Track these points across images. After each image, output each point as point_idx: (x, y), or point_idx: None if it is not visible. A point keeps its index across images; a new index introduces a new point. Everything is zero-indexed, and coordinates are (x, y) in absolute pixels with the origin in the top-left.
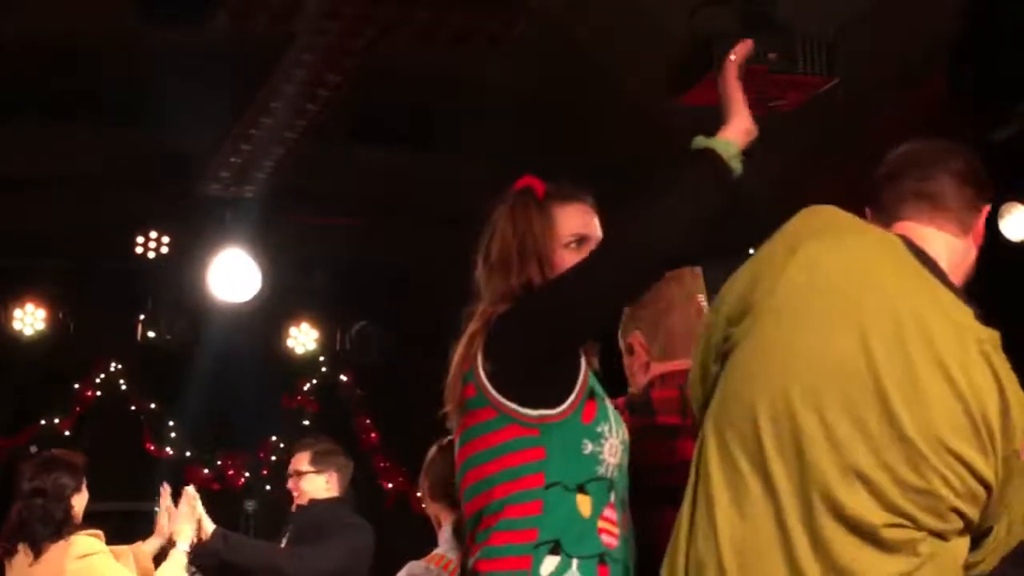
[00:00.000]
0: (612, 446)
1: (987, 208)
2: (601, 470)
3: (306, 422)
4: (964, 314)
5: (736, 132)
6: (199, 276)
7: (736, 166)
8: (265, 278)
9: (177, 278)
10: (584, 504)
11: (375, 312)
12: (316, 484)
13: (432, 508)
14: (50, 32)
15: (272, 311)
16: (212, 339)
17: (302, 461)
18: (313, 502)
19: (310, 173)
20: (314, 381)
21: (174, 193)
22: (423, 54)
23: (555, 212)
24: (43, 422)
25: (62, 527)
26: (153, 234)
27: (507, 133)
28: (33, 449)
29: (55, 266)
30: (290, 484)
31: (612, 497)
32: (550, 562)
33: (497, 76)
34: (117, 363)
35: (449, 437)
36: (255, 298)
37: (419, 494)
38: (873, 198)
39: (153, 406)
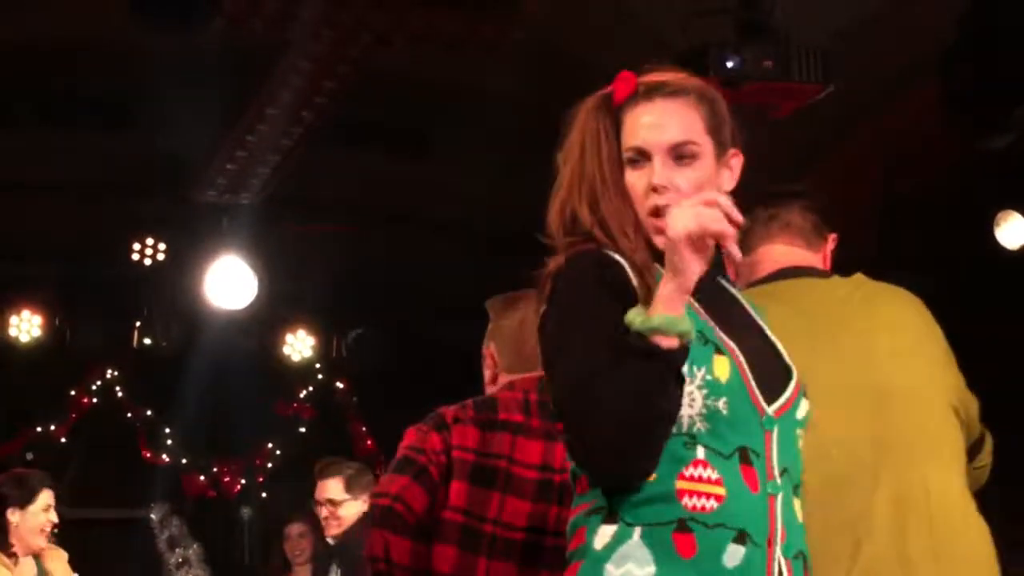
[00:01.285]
0: (684, 394)
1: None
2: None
3: (302, 429)
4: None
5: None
6: (195, 283)
7: (685, 329)
8: (261, 285)
9: (173, 285)
10: None
11: (371, 319)
12: (354, 510)
13: None
14: (47, 36)
15: (268, 318)
16: (208, 346)
17: (335, 489)
18: (350, 532)
19: (307, 180)
20: (310, 388)
21: (170, 199)
22: (420, 61)
23: (625, 119)
24: (38, 429)
25: None
26: (149, 240)
27: (504, 140)
28: (29, 456)
29: (51, 272)
30: (324, 513)
31: (700, 452)
32: (605, 532)
33: (494, 83)
34: (113, 370)
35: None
36: (251, 305)
37: None
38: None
39: (149, 413)
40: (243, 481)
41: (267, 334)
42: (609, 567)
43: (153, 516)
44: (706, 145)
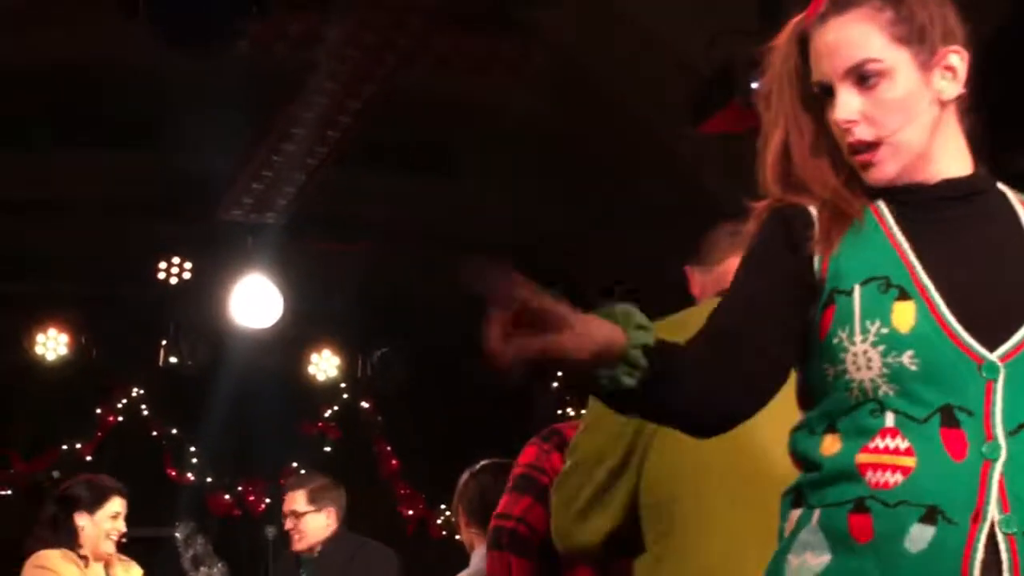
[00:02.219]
0: (857, 355)
1: None
2: (851, 397)
3: (327, 448)
4: None
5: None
6: (221, 302)
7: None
8: (287, 304)
9: (199, 304)
10: (831, 443)
11: (397, 339)
12: (317, 523)
13: (466, 535)
14: (74, 60)
15: (293, 337)
16: (233, 365)
17: (298, 500)
18: (322, 547)
19: (332, 199)
20: (335, 408)
21: (196, 219)
22: (443, 81)
23: (811, 49)
24: (64, 447)
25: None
26: (175, 260)
27: (527, 160)
28: (55, 474)
29: (77, 291)
30: (288, 524)
31: (889, 420)
32: (792, 517)
33: (517, 104)
34: (139, 388)
35: (482, 463)
36: (276, 324)
37: (454, 520)
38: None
39: (174, 431)
40: (268, 500)
41: (292, 353)
42: (791, 557)
43: (178, 535)
44: (894, 57)
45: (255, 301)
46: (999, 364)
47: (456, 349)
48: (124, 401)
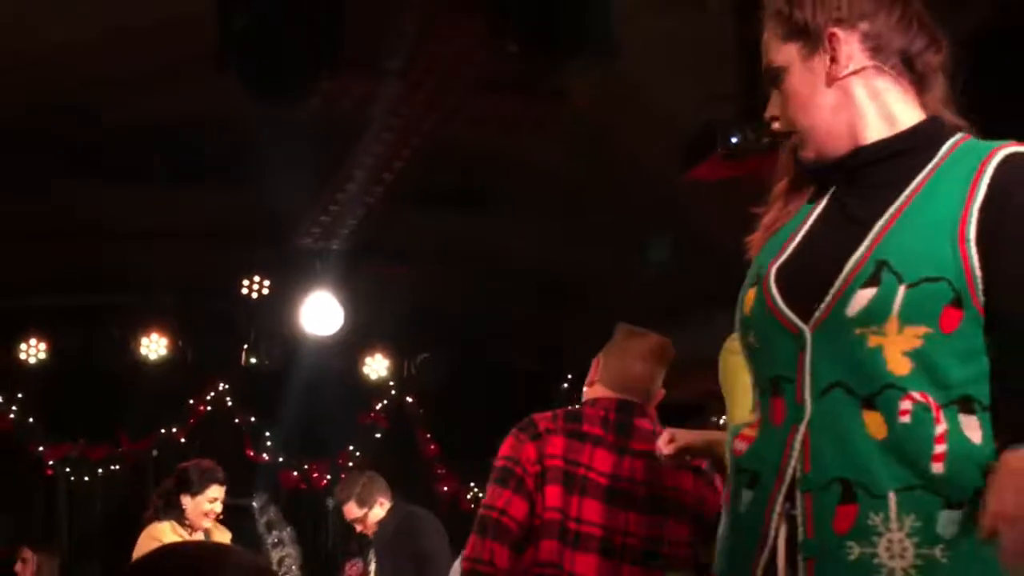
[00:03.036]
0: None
1: None
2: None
3: (378, 435)
4: None
5: None
6: (293, 313)
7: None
8: (347, 316)
9: (274, 315)
10: None
11: (435, 346)
12: (375, 515)
13: None
14: (179, 110)
15: (352, 343)
16: (302, 365)
17: (353, 509)
18: (382, 528)
19: (386, 230)
20: (385, 402)
21: (274, 245)
22: (481, 135)
23: None
24: (163, 431)
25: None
26: (256, 278)
27: (549, 201)
28: (154, 453)
29: (175, 303)
30: (357, 528)
31: (755, 395)
32: None
33: (542, 154)
34: (225, 383)
35: None
36: (338, 332)
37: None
38: None
39: (253, 419)
40: (329, 477)
41: (350, 356)
42: None
43: (255, 504)
44: (786, 55)
45: (321, 313)
46: (809, 331)
47: (484, 355)
48: (212, 394)
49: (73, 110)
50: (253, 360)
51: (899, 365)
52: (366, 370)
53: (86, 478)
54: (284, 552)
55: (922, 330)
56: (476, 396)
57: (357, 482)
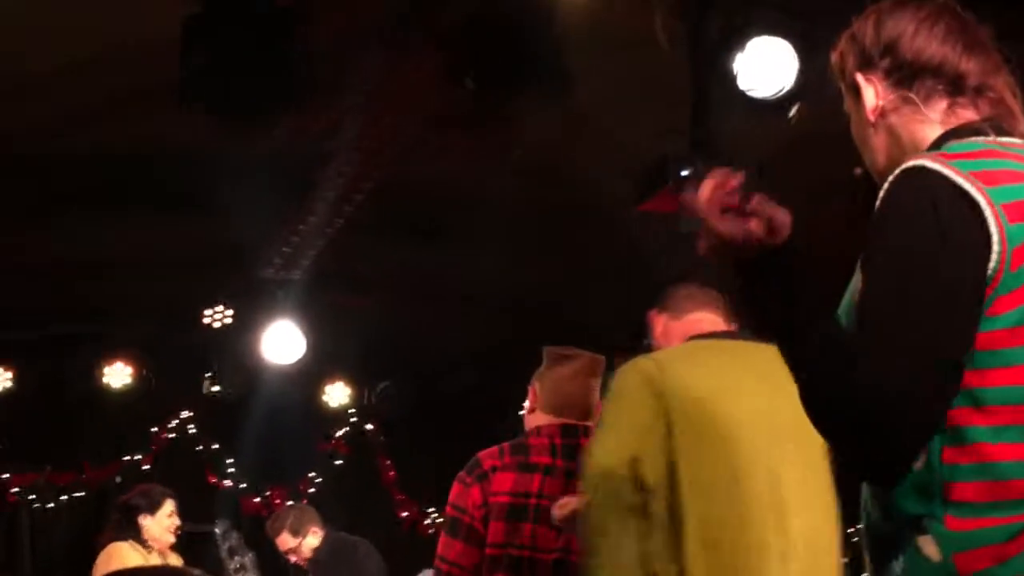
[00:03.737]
0: None
1: None
2: None
3: (338, 462)
4: None
5: None
6: (255, 342)
7: None
8: (308, 345)
9: (237, 344)
10: None
11: (396, 374)
12: (308, 545)
13: None
14: (142, 144)
15: (313, 372)
16: (264, 393)
17: (287, 540)
18: (317, 556)
19: (347, 261)
20: (345, 429)
21: (236, 275)
22: (439, 168)
23: None
24: (127, 458)
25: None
26: (219, 308)
27: (506, 231)
28: (118, 479)
29: (140, 332)
30: (291, 559)
31: None
32: None
33: (498, 186)
34: (188, 411)
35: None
36: (300, 361)
37: None
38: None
39: (215, 447)
40: (290, 503)
41: (312, 385)
42: None
43: (217, 530)
44: (848, 103)
45: (283, 342)
46: None
47: (442, 384)
48: (175, 422)
49: (38, 141)
50: (216, 388)
51: None
52: (327, 398)
53: (50, 505)
54: None
55: None
56: (435, 423)
57: (289, 514)
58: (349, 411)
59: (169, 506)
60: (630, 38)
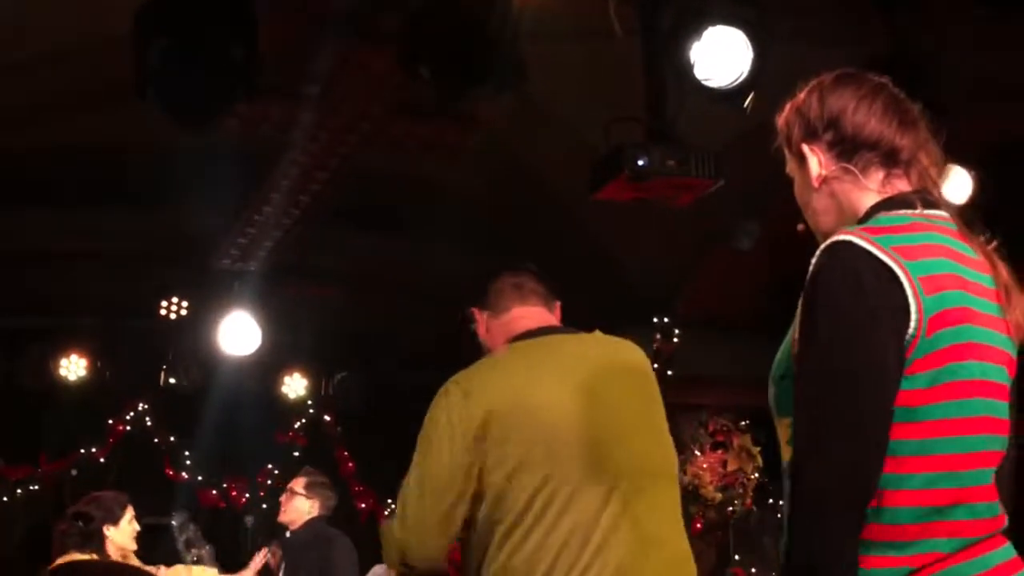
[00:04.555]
0: None
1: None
2: None
3: (296, 453)
4: None
5: None
6: (211, 334)
7: None
8: (264, 336)
9: (193, 335)
10: None
11: (353, 365)
12: (301, 506)
13: None
14: (98, 135)
15: (270, 363)
16: (221, 385)
17: (298, 484)
18: (296, 529)
19: (303, 252)
20: (303, 420)
21: (192, 267)
22: (397, 158)
23: None
24: (83, 451)
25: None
26: (174, 299)
27: (463, 223)
28: (73, 472)
29: (95, 325)
30: (283, 498)
31: None
32: None
33: (456, 177)
34: (144, 404)
35: None
36: (256, 352)
37: None
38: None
39: (172, 439)
40: (248, 495)
41: (269, 376)
42: None
43: (174, 522)
44: (791, 165)
45: (239, 333)
46: None
47: (400, 375)
48: (131, 414)
49: None
50: (172, 380)
51: (784, 452)
52: (284, 389)
53: (5, 498)
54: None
55: (787, 420)
56: (393, 415)
57: (319, 476)
58: (307, 403)
59: (129, 512)
60: (585, 26)
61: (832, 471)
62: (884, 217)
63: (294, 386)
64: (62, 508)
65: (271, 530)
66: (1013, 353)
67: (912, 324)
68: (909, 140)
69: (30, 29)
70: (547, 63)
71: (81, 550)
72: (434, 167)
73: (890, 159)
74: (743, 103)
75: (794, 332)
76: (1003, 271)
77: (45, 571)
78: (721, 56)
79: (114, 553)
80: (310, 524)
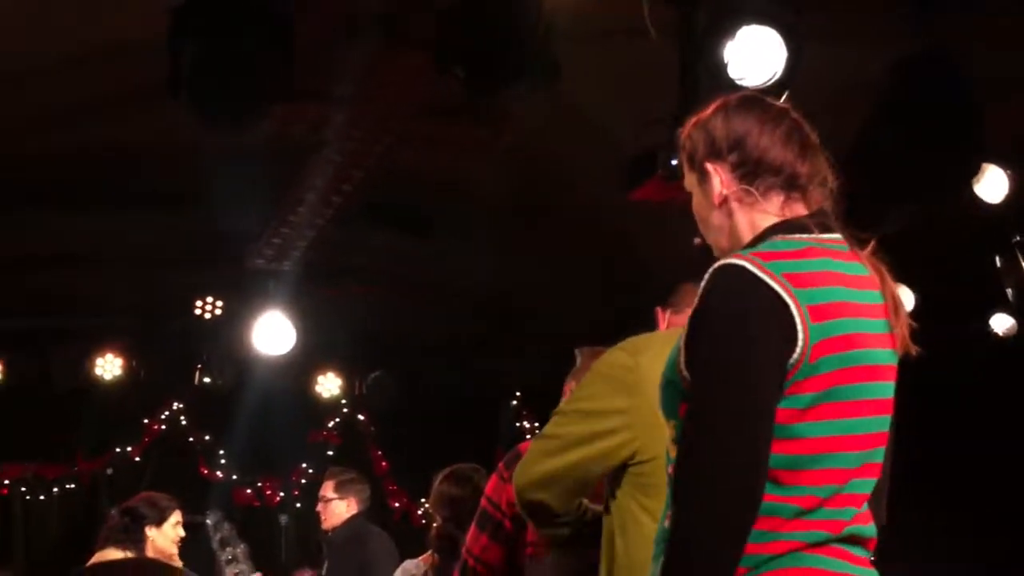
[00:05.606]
0: None
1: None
2: None
3: (330, 452)
4: None
5: None
6: (246, 333)
7: None
8: (299, 336)
9: (228, 335)
10: None
11: (385, 365)
12: (338, 509)
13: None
14: (136, 137)
15: (304, 362)
16: (255, 384)
17: (328, 489)
18: (338, 529)
19: (336, 252)
20: (337, 419)
21: (227, 267)
22: (428, 158)
23: None
24: (118, 450)
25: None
26: (209, 299)
27: (494, 222)
28: (109, 472)
29: (130, 324)
30: (319, 507)
31: None
32: None
33: (487, 177)
34: (179, 403)
35: (444, 472)
36: (291, 352)
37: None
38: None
39: (207, 438)
40: (282, 494)
41: (303, 375)
42: None
43: (208, 521)
44: (689, 181)
45: (273, 333)
46: None
47: (433, 374)
48: (167, 413)
49: (27, 136)
50: (207, 380)
51: (671, 450)
52: (318, 388)
53: (42, 497)
54: (238, 569)
55: (673, 422)
56: (426, 413)
57: (347, 472)
58: (340, 401)
59: (176, 516)
60: (618, 26)
61: (708, 506)
62: (780, 241)
63: (328, 385)
64: (97, 507)
65: (306, 530)
66: (896, 363)
67: (797, 349)
68: (809, 167)
69: (54, 32)
70: (580, 63)
71: (120, 547)
72: (466, 167)
73: (790, 184)
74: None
75: (680, 342)
76: (890, 285)
77: (74, 571)
78: (755, 56)
79: (153, 554)
80: (350, 523)
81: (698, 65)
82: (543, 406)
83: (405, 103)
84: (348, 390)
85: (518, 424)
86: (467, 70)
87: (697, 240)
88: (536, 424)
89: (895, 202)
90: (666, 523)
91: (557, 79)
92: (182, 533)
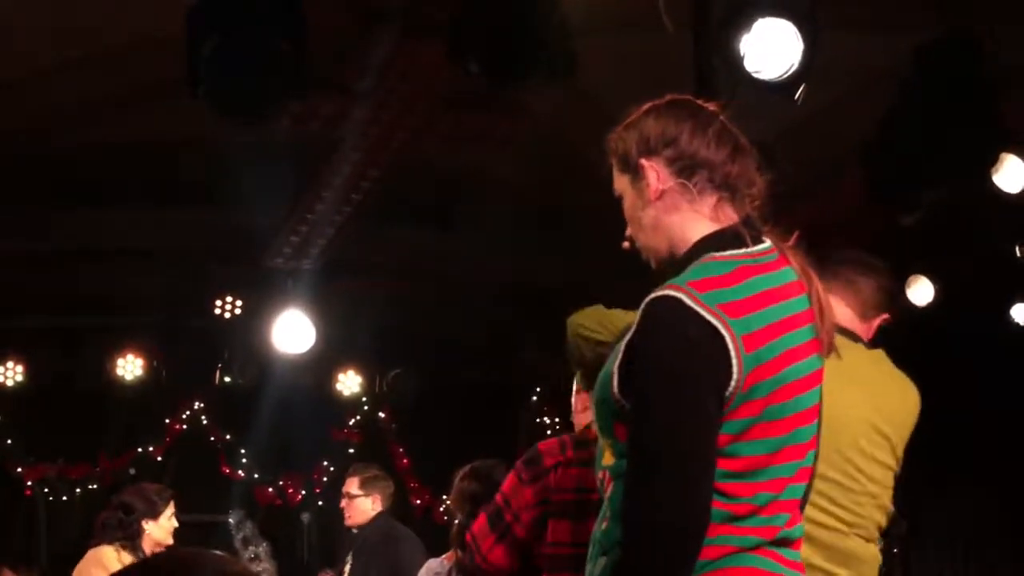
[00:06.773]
0: None
1: None
2: None
3: (351, 450)
4: None
5: None
6: (266, 332)
7: None
8: (319, 333)
9: (248, 333)
10: None
11: (407, 362)
12: (363, 506)
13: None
14: (152, 135)
15: (324, 360)
16: (276, 383)
17: (352, 485)
18: (362, 526)
19: (355, 248)
20: (358, 417)
21: (246, 265)
22: (447, 152)
23: None
24: (140, 449)
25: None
26: (229, 298)
27: (514, 216)
28: (132, 471)
29: (151, 323)
30: (343, 503)
31: None
32: None
33: (507, 170)
34: (199, 402)
35: (464, 469)
36: (311, 350)
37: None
38: None
39: (228, 437)
40: (304, 492)
41: (323, 373)
42: None
43: (231, 520)
44: (621, 183)
45: (293, 331)
46: None
47: (455, 370)
48: (188, 412)
49: (48, 134)
50: (227, 379)
51: (607, 458)
52: (339, 386)
53: (64, 497)
54: (261, 567)
55: (608, 440)
56: (447, 410)
57: (371, 469)
58: (361, 399)
59: (170, 508)
60: (634, 19)
61: (656, 542)
62: (712, 263)
63: (348, 383)
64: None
65: (328, 528)
66: (821, 366)
67: (732, 382)
68: (739, 168)
69: (81, 27)
70: (597, 55)
71: (116, 542)
72: (486, 161)
73: (722, 185)
74: (794, 95)
75: (613, 365)
76: (816, 285)
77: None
78: (771, 48)
79: (150, 547)
80: (376, 522)
81: (714, 56)
82: (565, 401)
83: (423, 96)
84: (369, 387)
85: (539, 420)
86: (482, 63)
87: (626, 243)
88: (557, 420)
89: (919, 189)
90: (603, 525)
91: (574, 71)
92: (175, 523)
